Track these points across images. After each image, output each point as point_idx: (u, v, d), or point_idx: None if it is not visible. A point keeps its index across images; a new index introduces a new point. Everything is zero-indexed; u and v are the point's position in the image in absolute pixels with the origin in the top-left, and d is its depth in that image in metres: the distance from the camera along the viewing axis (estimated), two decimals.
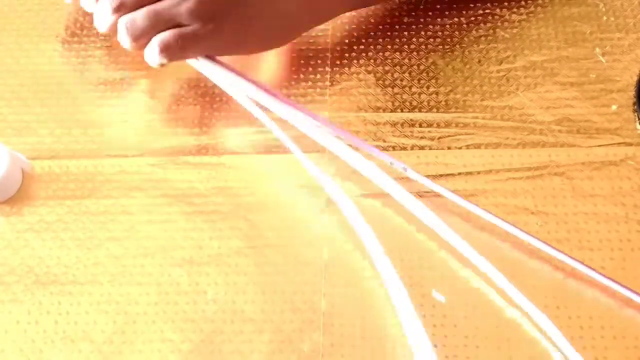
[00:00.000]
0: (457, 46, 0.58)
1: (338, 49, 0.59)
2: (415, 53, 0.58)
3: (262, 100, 0.52)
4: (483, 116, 0.55)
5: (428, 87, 0.56)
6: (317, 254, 0.51)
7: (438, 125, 0.55)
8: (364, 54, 0.58)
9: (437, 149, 0.54)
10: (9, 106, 0.58)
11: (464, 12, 0.60)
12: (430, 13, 0.60)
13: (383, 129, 0.55)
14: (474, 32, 0.58)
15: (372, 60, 0.58)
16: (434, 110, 0.55)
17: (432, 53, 0.58)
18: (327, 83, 0.57)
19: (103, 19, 0.52)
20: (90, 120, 0.57)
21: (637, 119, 0.53)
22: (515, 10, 0.59)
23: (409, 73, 0.57)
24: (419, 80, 0.57)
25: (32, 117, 0.58)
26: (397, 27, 0.59)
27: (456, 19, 0.59)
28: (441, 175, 0.53)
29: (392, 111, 0.56)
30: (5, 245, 0.52)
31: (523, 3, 0.59)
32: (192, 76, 0.58)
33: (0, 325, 0.50)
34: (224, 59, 0.54)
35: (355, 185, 0.53)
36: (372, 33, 0.59)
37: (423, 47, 0.58)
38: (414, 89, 0.56)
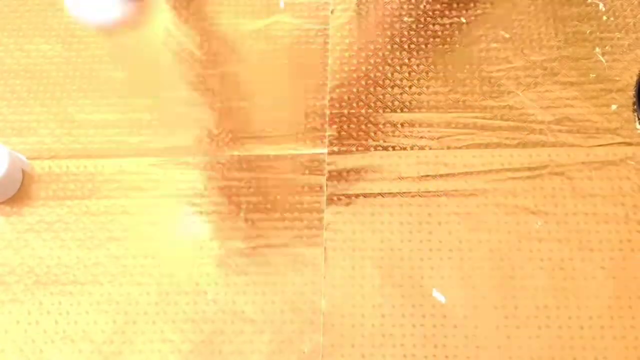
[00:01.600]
0: (457, 46, 0.58)
1: (338, 48, 0.58)
2: (415, 53, 0.58)
3: None
4: (483, 116, 0.55)
5: (428, 87, 0.56)
6: (317, 254, 0.51)
7: (438, 125, 0.55)
8: (363, 54, 0.58)
9: (437, 149, 0.54)
10: (9, 106, 0.58)
11: (464, 12, 0.59)
12: (430, 13, 0.60)
13: (383, 128, 0.55)
14: (473, 32, 0.58)
15: (371, 60, 0.58)
16: (434, 110, 0.55)
17: (432, 53, 0.58)
18: (327, 82, 0.57)
19: None
20: (90, 120, 0.57)
21: (637, 118, 0.53)
22: (515, 10, 0.59)
23: (409, 73, 0.57)
24: (418, 80, 0.57)
25: (32, 117, 0.58)
26: (397, 26, 0.59)
27: (456, 19, 0.59)
28: (441, 175, 0.53)
29: (392, 111, 0.56)
30: (5, 246, 0.53)
31: (523, 3, 0.59)
32: (192, 77, 0.58)
33: (0, 325, 0.50)
34: None
35: (353, 186, 0.53)
36: (371, 33, 0.59)
37: (423, 47, 0.58)
38: (413, 89, 0.56)
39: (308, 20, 0.60)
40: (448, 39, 0.58)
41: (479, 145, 0.54)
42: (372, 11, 0.60)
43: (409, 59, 0.58)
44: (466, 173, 0.53)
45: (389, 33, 0.59)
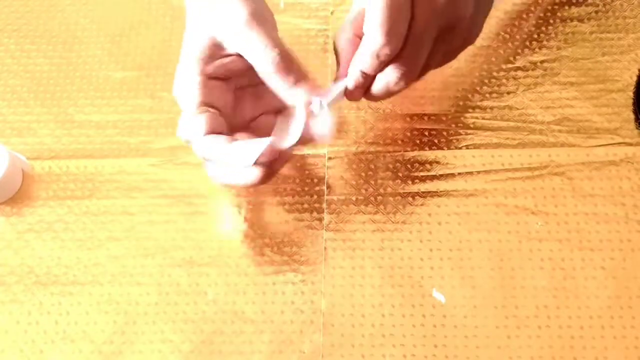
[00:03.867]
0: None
1: None
2: None
3: None
4: (483, 116, 0.55)
5: (427, 88, 0.56)
6: (317, 254, 0.51)
7: (438, 126, 0.55)
8: None
9: (437, 149, 0.54)
10: (9, 106, 0.58)
11: None
12: None
13: (383, 129, 0.55)
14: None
15: None
16: (434, 110, 0.55)
17: None
18: (327, 83, 0.57)
19: None
20: (90, 121, 0.57)
21: (636, 118, 0.53)
22: (515, 10, 0.59)
23: None
24: (418, 81, 0.57)
25: (32, 117, 0.58)
26: None
27: None
28: (441, 175, 0.53)
29: (391, 111, 0.56)
30: (5, 246, 0.53)
31: (523, 2, 0.59)
32: None
33: (0, 326, 0.50)
34: None
35: (353, 186, 0.53)
36: None
37: None
38: (413, 90, 0.56)
39: (308, 20, 0.60)
40: None
41: (479, 146, 0.54)
42: None
43: None
44: (466, 173, 0.53)
45: None
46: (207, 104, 0.45)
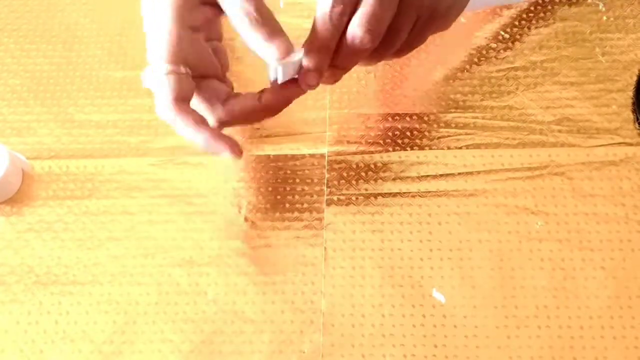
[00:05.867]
0: (457, 46, 0.58)
1: None
2: (415, 53, 0.58)
3: None
4: (483, 116, 0.55)
5: (426, 88, 0.56)
6: (317, 254, 0.51)
7: (438, 125, 0.55)
8: None
9: (437, 149, 0.54)
10: (9, 106, 0.58)
11: (464, 12, 0.59)
12: None
13: (383, 129, 0.55)
14: (474, 32, 0.58)
15: None
16: (434, 110, 0.55)
17: (432, 54, 0.58)
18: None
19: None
20: (90, 120, 0.57)
21: (636, 118, 0.53)
22: (515, 10, 0.59)
23: (409, 74, 0.57)
24: (419, 80, 0.57)
25: (32, 117, 0.58)
26: None
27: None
28: (441, 175, 0.53)
29: (391, 111, 0.56)
30: (5, 245, 0.53)
31: (523, 3, 0.59)
32: None
33: (0, 326, 0.50)
34: None
35: (353, 186, 0.53)
36: None
37: (423, 47, 0.58)
38: (414, 90, 0.56)
39: (308, 20, 0.60)
40: (448, 39, 0.58)
41: (479, 145, 0.54)
42: None
43: (409, 59, 0.58)
44: (466, 173, 0.53)
45: None
46: (181, 59, 0.43)
